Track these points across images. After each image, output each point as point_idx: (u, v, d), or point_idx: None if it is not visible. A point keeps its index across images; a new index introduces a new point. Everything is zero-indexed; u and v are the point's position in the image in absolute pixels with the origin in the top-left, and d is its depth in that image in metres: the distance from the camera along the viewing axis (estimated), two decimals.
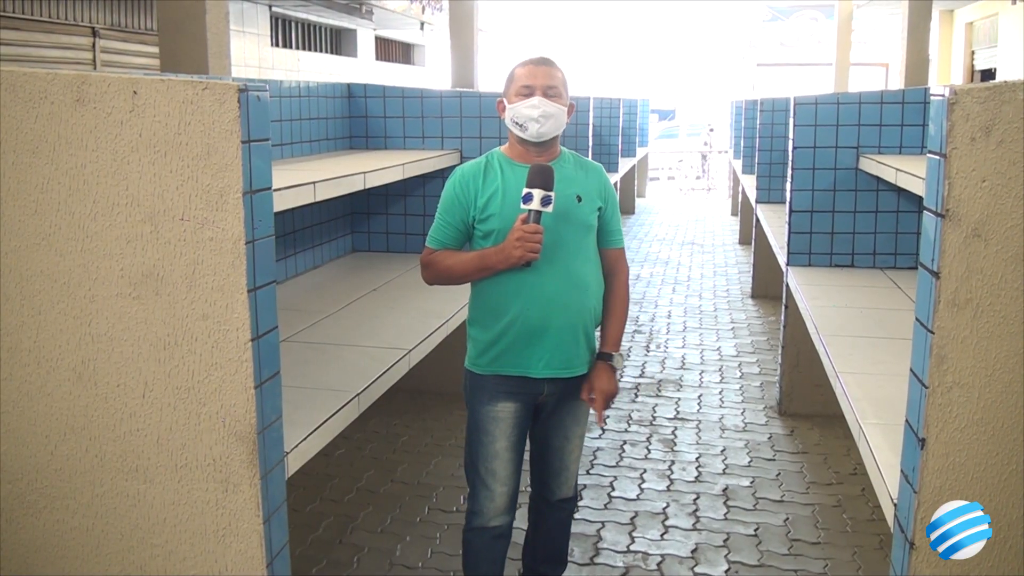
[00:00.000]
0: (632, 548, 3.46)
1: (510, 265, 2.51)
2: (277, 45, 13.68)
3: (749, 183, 8.54)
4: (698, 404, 5.09)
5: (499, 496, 2.71)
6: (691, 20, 29.64)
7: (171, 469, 1.88)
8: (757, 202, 7.33)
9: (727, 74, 28.28)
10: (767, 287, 7.59)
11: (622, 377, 5.56)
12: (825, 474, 4.11)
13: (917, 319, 1.77)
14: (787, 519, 3.68)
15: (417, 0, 16.35)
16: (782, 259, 4.90)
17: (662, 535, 3.56)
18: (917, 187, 3.32)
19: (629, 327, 6.74)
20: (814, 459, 4.28)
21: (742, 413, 4.93)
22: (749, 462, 4.26)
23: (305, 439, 2.30)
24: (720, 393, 5.28)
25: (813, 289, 4.12)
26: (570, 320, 2.62)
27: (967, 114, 1.63)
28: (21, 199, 1.80)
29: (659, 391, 5.32)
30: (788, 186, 4.65)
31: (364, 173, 3.34)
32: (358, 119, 4.85)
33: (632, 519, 3.68)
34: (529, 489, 2.96)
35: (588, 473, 4.11)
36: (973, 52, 16.13)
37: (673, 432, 4.65)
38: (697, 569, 3.31)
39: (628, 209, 13.60)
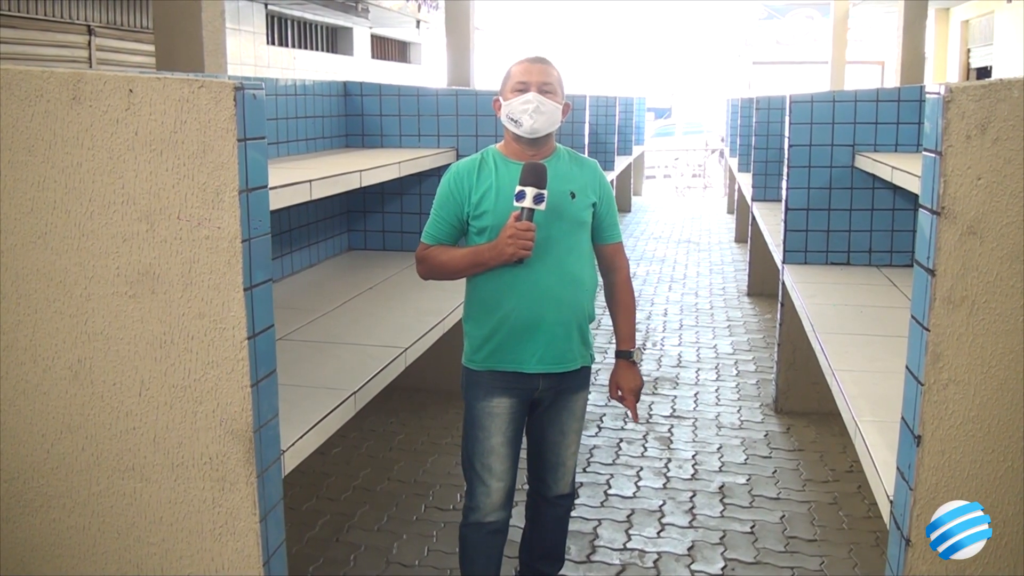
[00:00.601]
0: (629, 546, 3.46)
1: (503, 262, 2.53)
2: (273, 43, 13.66)
3: (745, 181, 8.55)
4: (695, 402, 5.10)
5: (495, 492, 2.72)
6: (687, 18, 29.65)
7: (167, 467, 1.87)
8: (753, 200, 7.34)
9: (723, 72, 28.29)
10: (763, 285, 7.60)
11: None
12: (821, 471, 4.12)
13: (913, 316, 1.78)
14: (783, 516, 3.68)
15: None
16: (778, 257, 4.90)
17: (659, 533, 3.56)
18: (913, 185, 3.32)
19: None
20: (810, 456, 4.29)
21: (738, 411, 4.94)
22: (745, 460, 4.27)
23: (301, 437, 2.30)
24: (716, 391, 5.29)
25: (809, 287, 4.13)
26: (563, 316, 2.65)
27: (963, 112, 1.63)
28: (17, 197, 1.80)
29: (656, 389, 5.32)
30: (784, 184, 4.65)
31: (360, 171, 3.33)
32: (354, 117, 4.85)
33: (629, 517, 3.69)
34: (527, 486, 2.96)
35: (585, 471, 4.11)
36: (969, 50, 16.15)
37: (670, 430, 4.66)
38: (694, 567, 3.31)
39: (624, 207, 13.60)
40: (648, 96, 18.09)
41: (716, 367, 5.78)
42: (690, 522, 3.65)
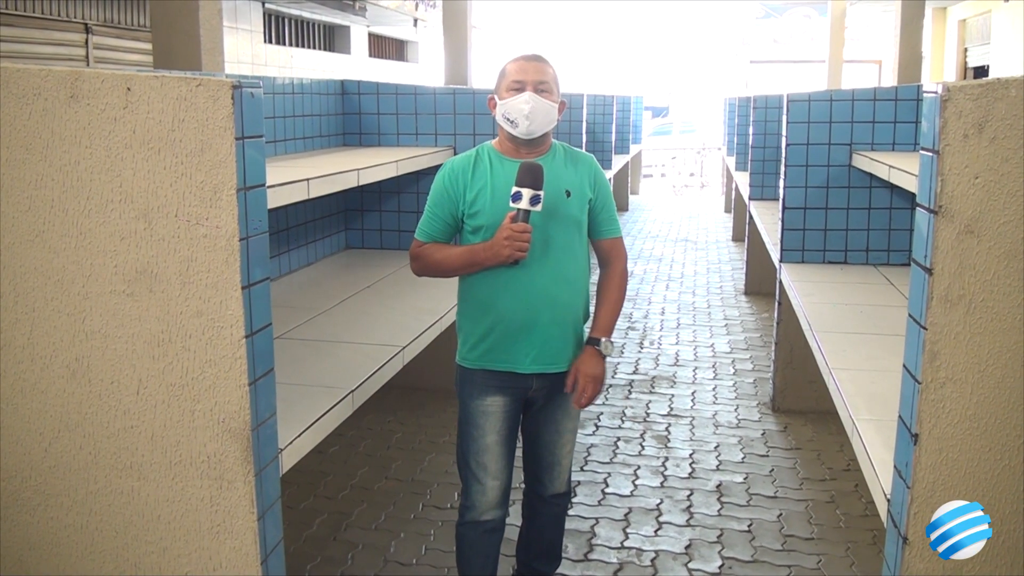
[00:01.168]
0: (626, 544, 3.46)
1: (499, 263, 2.53)
2: (270, 42, 13.64)
3: (742, 180, 8.55)
4: (692, 400, 5.10)
5: (490, 490, 2.72)
6: (685, 17, 29.63)
7: (165, 466, 1.87)
8: (750, 199, 7.34)
9: (720, 71, 28.28)
10: (760, 284, 7.60)
11: (616, 374, 5.56)
12: (818, 470, 4.12)
13: (910, 315, 1.78)
14: (780, 515, 3.69)
15: None
16: (775, 256, 4.91)
17: (656, 531, 3.56)
18: (910, 184, 3.32)
19: (622, 323, 6.75)
20: (807, 455, 4.29)
21: (736, 409, 4.94)
22: (743, 458, 4.27)
23: (299, 436, 2.30)
24: (714, 389, 5.29)
25: (806, 286, 4.13)
26: (557, 316, 2.64)
27: (960, 111, 1.63)
28: (14, 196, 1.80)
29: (653, 388, 5.32)
30: (781, 183, 4.66)
31: (358, 170, 3.33)
32: (352, 116, 4.85)
33: (626, 515, 3.69)
34: (523, 485, 2.96)
35: (582, 470, 4.12)
36: (966, 49, 16.16)
37: (667, 428, 4.66)
38: (691, 565, 3.31)
39: (622, 206, 13.61)
40: (646, 95, 18.08)
41: (713, 366, 5.78)
42: (687, 520, 3.65)
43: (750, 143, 7.48)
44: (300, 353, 3.04)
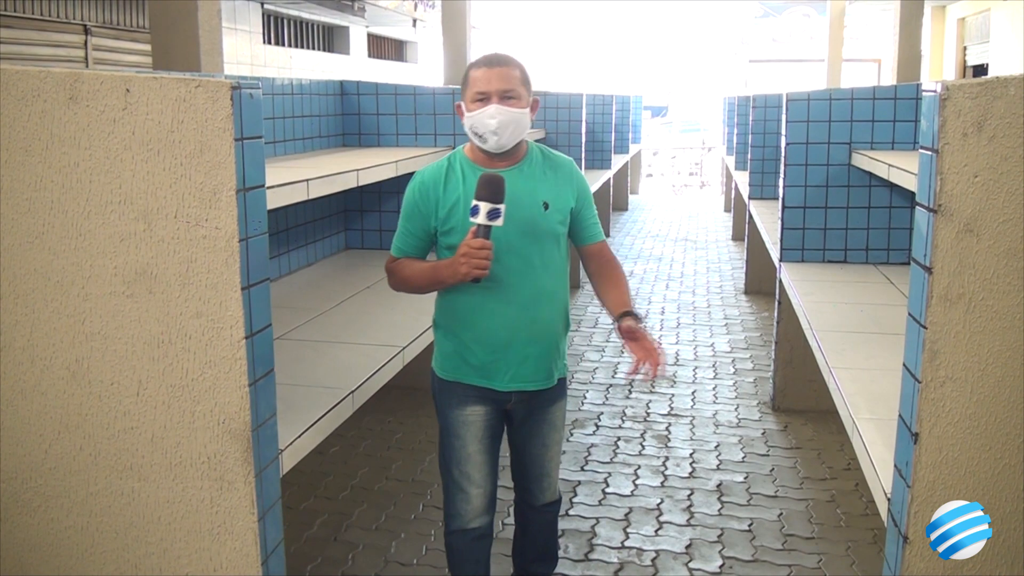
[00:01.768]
0: (626, 544, 3.46)
1: (458, 281, 2.39)
2: (269, 43, 13.65)
3: (742, 179, 8.55)
4: (692, 400, 5.10)
5: (475, 498, 2.65)
6: (684, 17, 29.65)
7: (165, 467, 1.87)
8: (750, 198, 7.34)
9: (719, 70, 28.28)
10: (760, 283, 7.60)
11: (616, 373, 5.56)
12: (819, 469, 4.12)
13: (910, 314, 1.78)
14: (781, 514, 3.69)
15: None
16: (775, 255, 4.91)
17: (656, 531, 3.56)
18: (910, 183, 3.33)
19: None
20: (808, 454, 4.29)
21: (736, 409, 4.94)
22: (743, 458, 4.27)
23: (299, 437, 2.30)
24: (714, 389, 5.29)
25: (806, 285, 4.13)
26: (536, 334, 2.54)
27: (959, 110, 1.63)
28: (14, 198, 1.80)
29: (653, 387, 5.32)
30: (781, 182, 4.66)
31: (357, 170, 3.33)
32: (351, 116, 4.85)
33: (626, 515, 3.69)
34: (513, 495, 2.93)
35: (583, 469, 4.12)
36: (965, 48, 16.16)
37: (667, 428, 4.66)
38: (691, 565, 3.31)
39: (621, 206, 13.61)
40: (645, 94, 18.09)
41: (714, 365, 5.78)
42: (688, 520, 3.65)
43: (749, 142, 7.48)
44: (300, 354, 3.04)
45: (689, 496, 3.86)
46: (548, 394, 2.65)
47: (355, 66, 16.45)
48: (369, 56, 17.55)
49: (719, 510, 3.73)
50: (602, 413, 4.85)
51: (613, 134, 10.60)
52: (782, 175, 4.64)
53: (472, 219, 2.33)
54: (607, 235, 10.96)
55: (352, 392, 2.67)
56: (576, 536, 3.49)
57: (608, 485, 3.97)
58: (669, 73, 30.33)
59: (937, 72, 16.97)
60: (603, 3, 28.87)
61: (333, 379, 2.78)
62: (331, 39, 16.24)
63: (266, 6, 13.19)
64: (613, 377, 5.49)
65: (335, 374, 2.83)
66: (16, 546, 1.96)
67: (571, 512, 3.68)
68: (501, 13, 24.62)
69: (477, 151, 2.52)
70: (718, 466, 4.18)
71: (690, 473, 4.11)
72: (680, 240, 10.95)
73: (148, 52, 6.99)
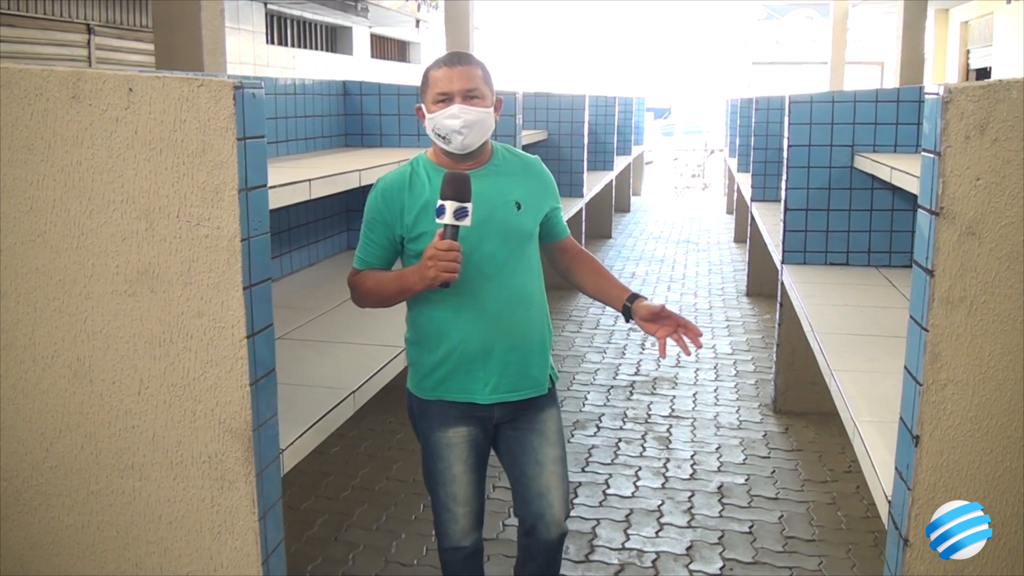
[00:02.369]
0: (627, 545, 3.46)
1: (427, 286, 2.25)
2: (272, 43, 13.66)
3: (744, 181, 8.55)
4: (693, 402, 5.10)
5: (462, 517, 2.53)
6: (687, 18, 29.64)
7: (166, 466, 1.88)
8: (752, 200, 7.34)
9: (722, 72, 28.28)
10: (762, 285, 7.60)
11: (617, 375, 5.56)
12: (820, 472, 4.12)
13: (911, 317, 1.78)
14: (782, 516, 3.68)
15: None
16: (777, 257, 4.91)
17: (657, 532, 3.56)
18: (912, 185, 3.32)
19: (624, 324, 6.75)
20: (809, 457, 4.29)
21: (737, 411, 4.94)
22: (744, 460, 4.27)
23: (300, 436, 2.30)
24: (715, 391, 5.29)
25: (808, 287, 4.13)
26: (515, 341, 2.41)
27: (961, 112, 1.63)
28: (16, 196, 1.80)
29: (654, 389, 5.32)
30: (783, 184, 4.66)
31: (359, 171, 3.33)
32: (353, 117, 4.85)
33: (627, 516, 3.69)
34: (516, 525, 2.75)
35: (583, 471, 4.12)
36: (968, 51, 16.16)
37: (668, 430, 4.66)
38: (692, 566, 3.31)
39: (623, 207, 13.61)
40: (648, 96, 18.09)
41: (715, 367, 5.78)
42: (689, 522, 3.65)
43: (752, 144, 7.48)
44: (301, 353, 3.05)
45: (690, 498, 3.86)
46: (535, 403, 2.50)
47: (358, 66, 16.46)
48: (372, 56, 17.56)
49: (720, 512, 3.73)
50: (603, 414, 4.85)
51: (616, 135, 10.60)
52: (784, 177, 4.64)
53: (438, 220, 2.20)
54: (609, 236, 11.00)
55: (353, 392, 2.67)
56: (577, 537, 3.49)
57: (609, 486, 3.97)
58: (672, 75, 30.34)
59: (940, 75, 16.96)
60: (606, 4, 28.87)
61: (334, 379, 2.78)
62: (334, 39, 16.25)
63: (269, 6, 13.20)
64: (614, 378, 5.49)
65: (336, 374, 2.83)
66: (17, 544, 1.97)
67: (572, 513, 3.68)
68: (504, 14, 24.62)
69: (441, 154, 2.40)
70: (719, 468, 4.18)
71: (691, 475, 4.10)
72: (682, 242, 10.94)
73: (151, 52, 6.99)
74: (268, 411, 1.92)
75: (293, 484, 3.87)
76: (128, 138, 1.75)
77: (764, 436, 4.56)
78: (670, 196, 17.06)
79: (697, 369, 5.73)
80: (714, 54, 29.22)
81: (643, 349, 6.17)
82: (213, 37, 5.65)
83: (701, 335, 2.38)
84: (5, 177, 1.80)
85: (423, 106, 2.37)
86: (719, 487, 3.97)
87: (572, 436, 4.54)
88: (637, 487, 3.97)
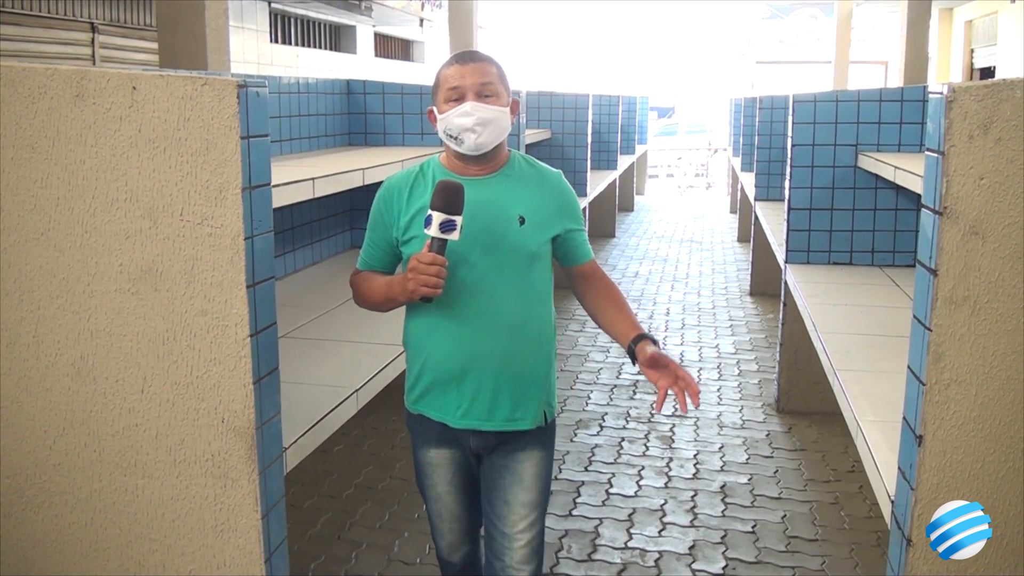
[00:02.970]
0: (630, 545, 3.46)
1: (408, 299, 2.14)
2: (276, 41, 13.66)
3: (748, 181, 8.55)
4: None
5: (448, 533, 2.45)
6: (690, 17, 29.64)
7: (169, 464, 1.88)
8: (756, 200, 7.34)
9: (726, 71, 28.27)
10: (765, 285, 7.60)
11: (620, 374, 5.56)
12: (823, 471, 4.12)
13: (915, 316, 1.78)
14: (785, 516, 3.68)
15: None
16: (780, 257, 4.90)
17: (660, 532, 3.56)
18: (915, 185, 3.32)
19: None
20: (812, 456, 4.29)
21: (740, 410, 4.94)
22: (747, 459, 4.27)
23: (303, 435, 2.30)
24: (718, 390, 5.29)
25: (811, 287, 4.13)
26: (494, 368, 2.20)
27: (965, 112, 1.63)
28: (20, 195, 1.80)
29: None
30: (787, 184, 4.65)
31: (363, 169, 3.34)
32: (357, 115, 4.85)
33: (630, 516, 3.69)
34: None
35: (586, 470, 4.12)
36: (972, 50, 16.13)
37: (671, 429, 4.66)
38: (695, 566, 3.31)
39: (627, 207, 13.61)
40: (651, 95, 18.08)
41: (718, 366, 5.78)
42: (691, 521, 3.65)
43: (756, 144, 7.47)
44: (305, 352, 3.05)
45: (693, 497, 3.86)
46: (514, 439, 2.29)
47: (361, 65, 16.46)
48: (376, 55, 17.55)
49: (723, 511, 3.73)
50: (606, 413, 4.85)
51: (619, 135, 10.60)
52: (788, 177, 4.63)
53: (425, 230, 2.06)
54: (612, 236, 10.99)
55: (356, 391, 2.67)
56: (579, 536, 3.49)
57: (612, 486, 3.97)
58: (676, 74, 30.32)
59: (944, 74, 16.93)
60: (610, 3, 28.86)
61: (337, 377, 2.78)
62: (338, 38, 16.25)
63: (273, 5, 13.21)
64: (618, 378, 5.49)
65: (339, 372, 2.83)
66: (19, 542, 1.97)
67: (574, 512, 3.68)
68: (508, 13, 24.62)
69: (453, 158, 2.25)
70: (722, 467, 4.18)
71: (694, 474, 4.10)
72: (685, 241, 10.94)
73: (155, 50, 7.01)
74: (271, 409, 1.92)
75: (296, 482, 3.87)
76: (132, 136, 1.75)
77: (767, 436, 4.56)
78: (673, 195, 17.05)
79: (700, 369, 5.73)
80: (718, 53, 29.21)
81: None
82: (217, 36, 5.66)
83: (699, 392, 2.13)
84: (9, 175, 1.80)
85: (435, 108, 2.23)
86: (722, 486, 3.97)
87: (575, 435, 4.54)
88: (640, 486, 3.97)
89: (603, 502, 3.81)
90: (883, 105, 4.48)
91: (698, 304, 7.58)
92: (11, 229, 1.82)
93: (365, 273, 2.34)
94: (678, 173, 19.41)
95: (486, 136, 2.17)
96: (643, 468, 4.16)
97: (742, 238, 10.45)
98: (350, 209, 4.93)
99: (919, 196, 2.21)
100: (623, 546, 3.45)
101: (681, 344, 6.32)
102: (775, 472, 4.12)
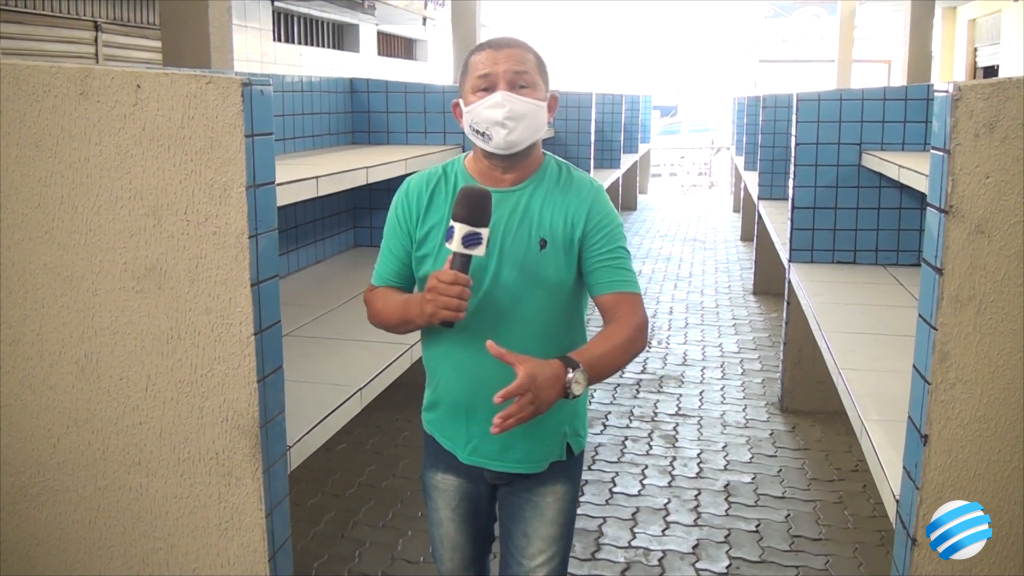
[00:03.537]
0: (633, 544, 3.46)
1: (426, 323, 1.88)
2: (279, 40, 13.66)
3: (751, 179, 8.54)
4: (700, 400, 5.09)
5: (449, 560, 2.24)
6: (694, 16, 29.62)
7: (174, 463, 1.88)
8: (759, 198, 7.33)
9: (729, 70, 28.25)
10: (769, 283, 7.59)
11: (624, 373, 5.55)
12: (826, 470, 4.12)
13: (920, 315, 1.77)
14: (788, 515, 3.68)
15: None
16: (784, 255, 4.90)
17: (663, 531, 3.56)
18: (919, 184, 3.32)
19: None
20: (815, 455, 4.28)
21: (744, 409, 4.93)
22: (750, 458, 4.26)
23: (307, 433, 2.31)
24: (722, 389, 5.28)
25: (815, 285, 4.12)
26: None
27: (971, 110, 1.62)
28: (24, 193, 1.80)
29: (661, 387, 5.31)
30: (790, 183, 4.65)
31: (366, 168, 3.33)
32: (360, 114, 4.85)
33: (633, 515, 3.69)
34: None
35: (590, 469, 4.11)
36: (975, 49, 16.12)
37: (675, 428, 4.65)
38: (698, 565, 3.31)
39: (630, 205, 13.60)
40: (654, 94, 18.07)
41: (722, 365, 5.77)
42: (695, 520, 3.64)
43: (759, 142, 7.47)
44: (308, 350, 3.05)
45: (696, 496, 3.86)
46: (534, 480, 2.09)
47: (365, 64, 16.47)
48: (379, 54, 17.56)
49: (726, 511, 3.73)
50: (609, 412, 4.85)
51: (623, 133, 10.60)
52: (792, 175, 4.63)
53: (447, 244, 1.82)
54: None
55: (360, 389, 2.67)
56: (583, 535, 3.49)
57: (615, 484, 3.97)
58: (679, 73, 30.30)
59: (947, 73, 16.92)
60: (614, 2, 28.86)
61: (341, 376, 2.78)
62: (341, 37, 16.26)
63: (276, 4, 13.21)
64: (621, 377, 5.48)
65: (343, 371, 2.83)
66: (23, 540, 1.97)
67: (578, 511, 3.68)
68: (511, 12, 24.63)
69: (480, 160, 1.99)
70: (725, 467, 4.17)
71: (697, 473, 4.10)
72: (689, 240, 10.93)
73: (158, 49, 7.01)
74: (275, 408, 1.92)
75: (300, 481, 3.87)
76: (136, 135, 1.75)
77: (771, 435, 4.56)
78: (677, 194, 17.04)
79: (704, 368, 5.72)
80: (721, 52, 29.19)
81: (649, 347, 6.17)
82: (220, 34, 5.66)
83: (506, 421, 1.72)
84: (13, 173, 1.80)
85: (460, 101, 1.97)
86: (725, 485, 3.96)
87: None
88: (643, 485, 3.97)
89: (607, 501, 3.81)
90: (887, 104, 4.47)
91: (701, 303, 7.57)
92: (15, 227, 1.82)
93: (380, 290, 2.08)
94: (681, 172, 19.39)
95: (518, 133, 1.89)
96: (647, 467, 4.16)
97: (745, 237, 10.45)
98: (353, 208, 4.93)
99: (923, 195, 2.21)
100: (627, 545, 3.45)
101: (684, 343, 6.32)
102: (779, 471, 4.11)
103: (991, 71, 15.19)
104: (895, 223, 4.52)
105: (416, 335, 2.26)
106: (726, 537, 3.51)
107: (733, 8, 27.32)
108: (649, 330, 2.04)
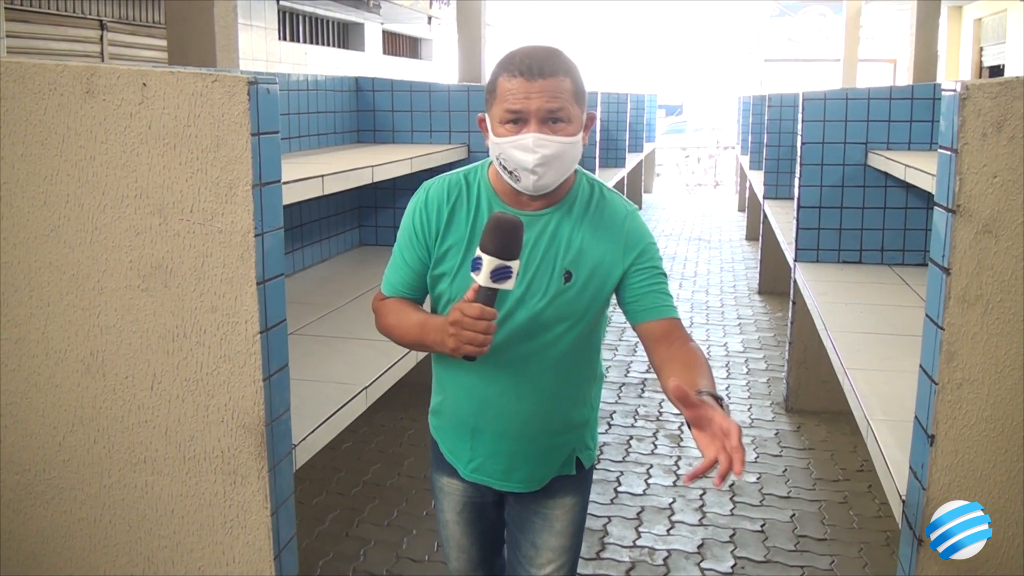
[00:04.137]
0: (638, 543, 3.46)
1: (445, 353, 1.79)
2: (285, 39, 13.68)
3: (757, 179, 8.53)
4: None
5: (456, 560, 2.22)
6: (699, 15, 29.60)
7: (179, 461, 1.88)
8: (765, 198, 7.32)
9: (735, 69, 28.23)
10: (774, 283, 7.58)
11: (628, 372, 5.55)
12: (832, 470, 4.11)
13: (927, 315, 1.77)
14: (793, 515, 3.67)
15: None
16: (790, 255, 4.89)
17: (668, 530, 3.55)
18: (926, 183, 3.31)
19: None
20: (821, 455, 4.28)
21: (749, 409, 4.93)
22: (756, 458, 4.26)
23: (313, 432, 2.31)
24: (727, 389, 5.28)
25: (821, 285, 4.11)
26: (515, 431, 1.95)
27: (979, 109, 1.62)
28: (30, 191, 1.80)
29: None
30: (796, 182, 4.64)
31: (372, 167, 3.33)
32: (366, 113, 4.85)
33: (638, 514, 3.68)
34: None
35: (595, 468, 4.11)
36: (981, 48, 16.09)
37: (680, 428, 4.65)
38: (703, 564, 3.31)
39: (635, 205, 13.57)
40: (660, 93, 18.06)
41: (727, 365, 5.77)
42: (700, 520, 3.64)
43: (765, 142, 7.45)
44: (314, 349, 3.05)
45: (701, 496, 3.85)
46: (540, 491, 2.06)
47: (370, 63, 16.48)
48: (384, 53, 17.58)
49: (731, 510, 3.72)
50: (614, 412, 4.85)
51: (628, 132, 10.58)
52: (797, 175, 4.62)
53: (472, 275, 1.71)
54: None
55: (365, 388, 2.67)
56: (588, 535, 3.49)
57: (620, 484, 3.97)
58: (684, 72, 30.29)
59: (953, 73, 16.90)
60: (620, 2, 28.84)
61: (346, 375, 2.78)
62: (346, 36, 16.27)
63: (282, 3, 13.23)
64: (626, 376, 5.48)
65: (348, 370, 2.83)
66: (28, 538, 1.97)
67: None
68: (516, 11, 24.62)
69: (504, 180, 1.87)
70: None
71: None
72: (694, 239, 10.92)
73: (164, 48, 7.02)
74: (281, 406, 1.92)
75: (304, 480, 3.87)
76: (142, 133, 1.75)
77: (776, 434, 4.55)
78: (682, 194, 17.03)
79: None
80: (726, 51, 29.18)
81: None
82: (226, 33, 5.66)
83: (743, 466, 1.56)
84: (19, 172, 1.80)
85: (487, 118, 1.84)
86: (730, 485, 3.96)
87: None
88: (648, 484, 3.97)
89: (611, 500, 3.81)
90: (893, 103, 4.46)
91: (706, 302, 7.56)
92: (21, 225, 1.82)
93: (393, 302, 1.98)
94: (686, 171, 19.37)
95: (549, 177, 1.79)
96: (651, 466, 4.16)
97: (750, 236, 10.43)
98: (359, 207, 4.93)
99: (929, 194, 2.20)
100: (632, 544, 3.45)
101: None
102: (784, 471, 4.11)
103: (997, 70, 15.16)
104: (901, 223, 4.51)
105: None
106: (731, 537, 3.51)
107: (739, 7, 27.31)
108: None
